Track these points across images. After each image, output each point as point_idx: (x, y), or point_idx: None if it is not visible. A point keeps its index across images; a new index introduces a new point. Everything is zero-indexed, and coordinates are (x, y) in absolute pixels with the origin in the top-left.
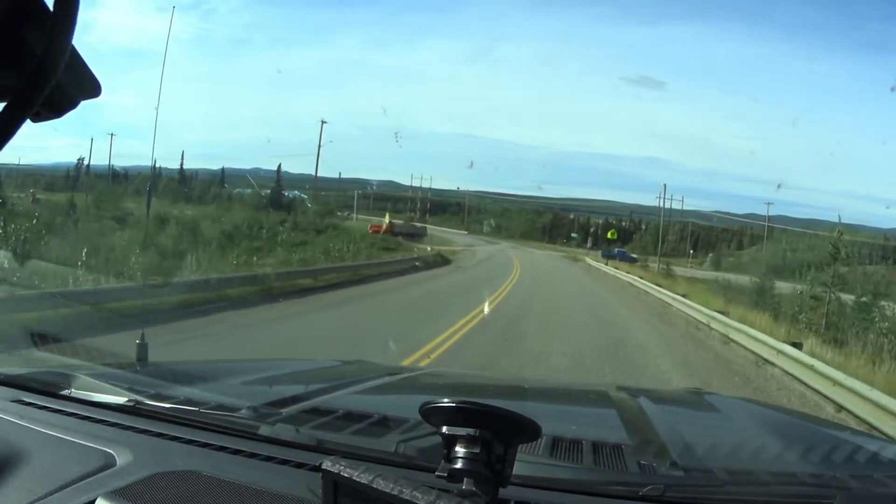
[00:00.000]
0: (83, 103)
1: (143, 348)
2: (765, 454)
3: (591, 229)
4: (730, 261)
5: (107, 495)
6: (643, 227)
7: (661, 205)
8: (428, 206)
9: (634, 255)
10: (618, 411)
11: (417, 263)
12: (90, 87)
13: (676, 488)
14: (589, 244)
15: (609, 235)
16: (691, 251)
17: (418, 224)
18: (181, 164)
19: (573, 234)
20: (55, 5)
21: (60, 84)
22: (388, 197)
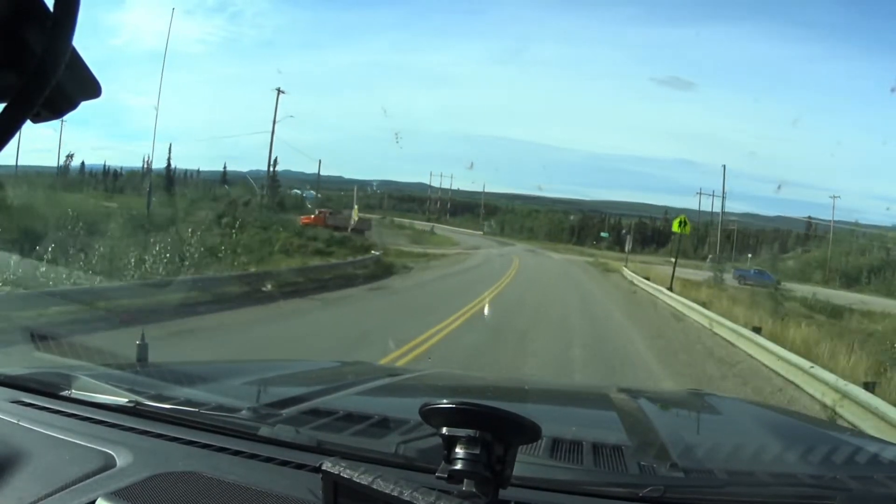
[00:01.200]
0: (84, 103)
1: (143, 349)
2: (765, 455)
3: (623, 231)
4: (780, 264)
5: (107, 496)
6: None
7: (722, 206)
8: (448, 206)
9: (770, 275)
10: (618, 412)
11: (266, 287)
12: (90, 88)
13: (676, 489)
14: (628, 247)
15: (676, 227)
16: (750, 255)
17: (363, 216)
18: (168, 162)
19: (603, 234)
20: (55, 6)
21: (60, 84)
22: (414, 198)
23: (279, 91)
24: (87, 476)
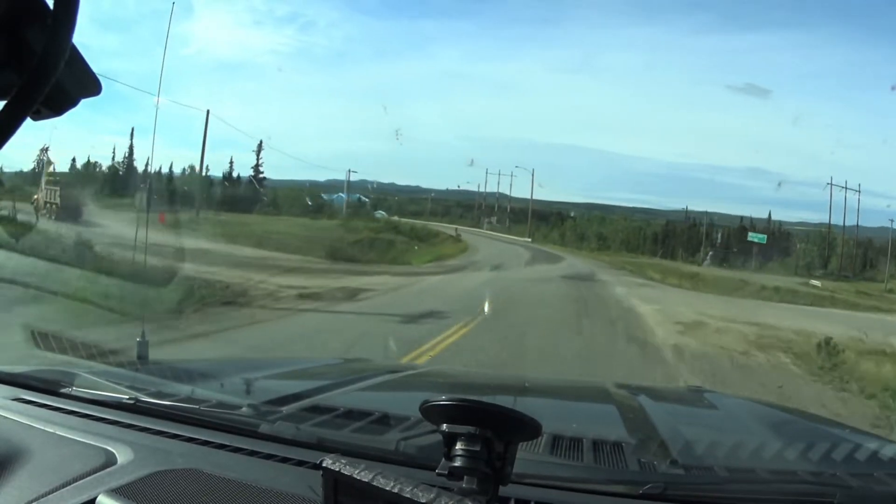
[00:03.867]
0: (83, 101)
1: (143, 346)
2: (765, 452)
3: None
4: None
5: (108, 493)
6: (777, 235)
7: None
8: (508, 210)
9: None
10: (618, 409)
11: None
12: (90, 86)
13: (677, 486)
14: None
15: None
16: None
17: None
18: (130, 150)
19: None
20: (55, 4)
21: (60, 82)
22: (482, 205)
23: None
24: (88, 473)
